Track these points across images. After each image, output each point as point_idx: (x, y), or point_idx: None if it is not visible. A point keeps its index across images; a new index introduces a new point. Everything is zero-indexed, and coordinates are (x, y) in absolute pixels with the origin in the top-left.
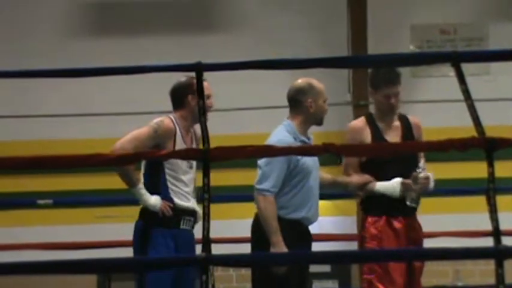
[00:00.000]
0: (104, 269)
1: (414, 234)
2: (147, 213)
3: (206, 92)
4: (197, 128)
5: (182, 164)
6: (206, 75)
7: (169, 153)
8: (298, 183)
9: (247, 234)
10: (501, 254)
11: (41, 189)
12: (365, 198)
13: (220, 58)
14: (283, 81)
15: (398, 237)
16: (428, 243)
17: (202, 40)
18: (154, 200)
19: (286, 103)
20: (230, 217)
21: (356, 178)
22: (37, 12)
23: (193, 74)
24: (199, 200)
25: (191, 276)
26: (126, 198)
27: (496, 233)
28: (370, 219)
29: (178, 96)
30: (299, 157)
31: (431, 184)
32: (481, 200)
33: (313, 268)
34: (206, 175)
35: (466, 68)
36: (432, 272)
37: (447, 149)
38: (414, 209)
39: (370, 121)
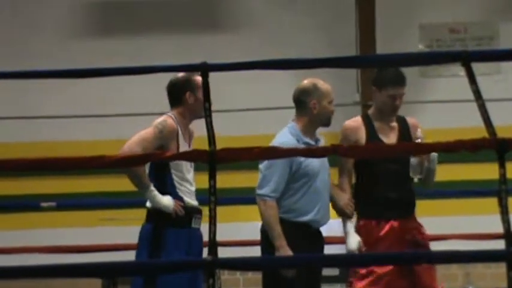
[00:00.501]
0: (107, 272)
1: (411, 236)
2: (157, 215)
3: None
4: (191, 126)
5: (186, 162)
6: (211, 75)
7: (176, 154)
8: (303, 186)
9: (254, 237)
10: None
11: (44, 192)
12: (357, 201)
13: (224, 58)
14: (289, 82)
15: (389, 241)
16: (438, 246)
17: (207, 40)
18: (167, 201)
19: (292, 104)
20: (236, 220)
21: (344, 200)
22: (39, 12)
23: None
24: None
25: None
26: (132, 200)
27: (508, 235)
28: (361, 222)
29: (176, 93)
30: (302, 159)
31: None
32: (492, 201)
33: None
34: (212, 177)
35: (477, 67)
36: (442, 275)
37: (457, 150)
38: (411, 210)
39: (366, 121)
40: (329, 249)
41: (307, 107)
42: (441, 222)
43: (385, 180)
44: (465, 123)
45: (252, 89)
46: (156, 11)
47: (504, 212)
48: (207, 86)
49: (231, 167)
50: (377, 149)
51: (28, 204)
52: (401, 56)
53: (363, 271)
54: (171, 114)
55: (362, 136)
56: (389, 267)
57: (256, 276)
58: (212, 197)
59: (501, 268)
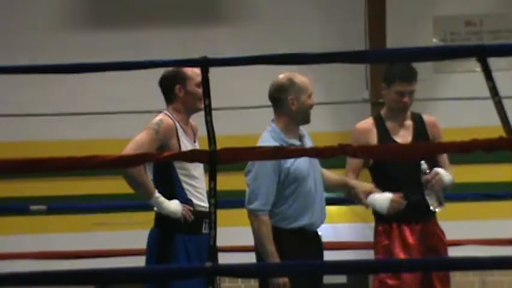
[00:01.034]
0: (101, 280)
1: (432, 241)
2: (165, 220)
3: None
4: (192, 120)
5: None
6: (212, 70)
7: (173, 154)
8: (294, 192)
9: None
10: None
11: (33, 194)
12: None
13: (227, 52)
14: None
15: (410, 247)
16: (452, 252)
17: (209, 33)
18: (174, 206)
19: None
20: (238, 224)
21: (362, 185)
22: (29, 4)
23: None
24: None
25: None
26: (128, 203)
27: None
28: (380, 227)
29: (167, 88)
30: (289, 164)
31: (446, 178)
32: (510, 205)
33: (328, 279)
34: (213, 178)
35: (493, 62)
36: (457, 283)
37: (472, 151)
38: (432, 214)
39: (378, 122)
40: (336, 256)
41: (285, 104)
42: (456, 226)
43: (404, 182)
44: (481, 121)
45: (255, 85)
46: (153, 2)
47: None
48: (207, 81)
49: (233, 168)
50: (387, 150)
51: (16, 207)
52: (414, 51)
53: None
54: (167, 111)
55: (373, 138)
56: (404, 278)
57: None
58: (212, 200)
59: None
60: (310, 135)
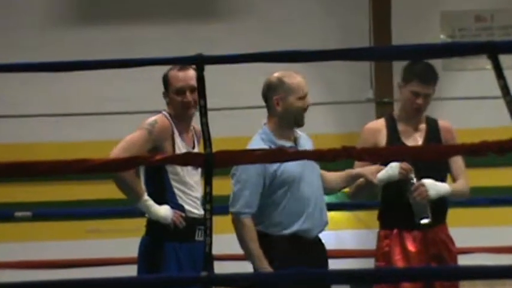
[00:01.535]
0: None
1: (436, 249)
2: (155, 226)
3: (181, 83)
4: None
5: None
6: (208, 69)
7: (167, 157)
8: (284, 196)
9: None
10: None
11: (18, 200)
12: (380, 210)
13: (224, 50)
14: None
15: (411, 254)
16: (461, 260)
17: (205, 29)
18: (164, 211)
19: None
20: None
21: (369, 168)
22: (20, 1)
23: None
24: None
25: None
26: (121, 209)
27: None
28: (382, 233)
29: (164, 90)
30: (275, 167)
31: (433, 191)
32: None
33: None
34: (208, 183)
35: (505, 59)
36: None
37: (482, 153)
38: (439, 220)
39: (390, 123)
40: (339, 264)
41: (271, 104)
42: (464, 233)
43: (409, 186)
44: (491, 122)
45: (253, 84)
46: None
47: None
48: (202, 80)
49: (229, 172)
50: (394, 152)
51: (0, 214)
52: (420, 48)
53: None
54: (165, 112)
55: (382, 139)
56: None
57: None
58: (208, 205)
59: None
60: (311, 137)
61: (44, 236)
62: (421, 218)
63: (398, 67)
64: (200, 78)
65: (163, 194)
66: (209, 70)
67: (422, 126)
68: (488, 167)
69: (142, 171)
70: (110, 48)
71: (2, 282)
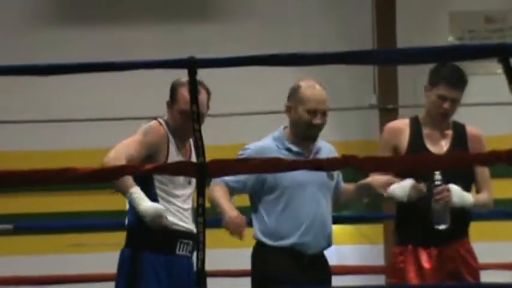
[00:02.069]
0: None
1: (453, 266)
2: (135, 237)
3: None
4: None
5: (179, 177)
6: (202, 73)
7: (157, 166)
8: (277, 201)
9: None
10: None
11: None
12: (395, 225)
13: (219, 52)
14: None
15: (426, 272)
16: (484, 277)
17: (198, 31)
18: (146, 206)
19: None
20: (230, 245)
21: (379, 178)
22: None
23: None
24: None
25: None
26: (105, 222)
27: None
28: (396, 249)
29: (169, 101)
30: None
31: (458, 199)
32: None
33: None
34: (201, 194)
35: None
36: None
37: (492, 163)
38: (459, 235)
39: (414, 124)
40: (340, 281)
41: (286, 110)
42: (481, 249)
43: (432, 186)
44: (503, 129)
45: (250, 89)
46: None
47: None
48: (194, 85)
49: None
50: (399, 162)
51: None
52: (427, 51)
53: None
54: (161, 119)
55: (403, 141)
56: None
57: None
58: (200, 218)
59: None
60: None
61: (24, 250)
62: (439, 224)
63: (403, 71)
64: (192, 83)
65: None
66: (202, 74)
67: (449, 132)
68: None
69: None
70: (94, 51)
71: None
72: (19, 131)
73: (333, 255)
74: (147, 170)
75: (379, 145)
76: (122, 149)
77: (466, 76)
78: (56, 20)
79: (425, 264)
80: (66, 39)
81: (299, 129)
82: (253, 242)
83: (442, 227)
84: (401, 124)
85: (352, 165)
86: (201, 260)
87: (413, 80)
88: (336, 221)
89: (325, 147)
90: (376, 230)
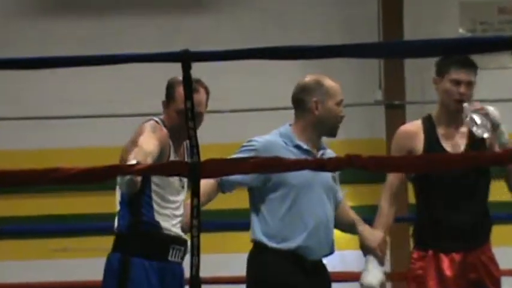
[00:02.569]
0: None
1: (475, 274)
2: (125, 241)
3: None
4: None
5: (174, 181)
6: (197, 66)
7: (149, 166)
8: (282, 202)
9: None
10: None
11: None
12: (414, 228)
13: (215, 45)
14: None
15: (447, 280)
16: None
17: (193, 22)
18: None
19: None
20: (225, 250)
21: (374, 236)
22: None
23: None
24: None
25: None
26: (92, 225)
27: None
28: (415, 254)
29: (165, 100)
30: None
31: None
32: None
33: None
34: (196, 195)
35: None
36: None
37: (508, 163)
38: (481, 240)
39: (427, 125)
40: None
41: (307, 107)
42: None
43: (447, 200)
44: None
45: (248, 84)
46: None
47: None
48: (189, 79)
49: None
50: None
51: None
52: (436, 43)
53: None
54: (157, 118)
55: (419, 144)
56: None
57: None
58: (195, 221)
59: None
60: None
61: (6, 255)
62: (482, 132)
63: (410, 65)
64: (186, 77)
65: (139, 206)
66: (197, 68)
67: (464, 129)
68: None
69: None
70: (81, 44)
71: None
72: (9, 129)
73: (337, 261)
74: (138, 170)
75: (384, 144)
76: (147, 145)
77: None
78: (42, 10)
79: (447, 271)
80: (51, 31)
81: (328, 125)
82: (249, 248)
83: (485, 135)
84: (415, 127)
85: (356, 166)
86: (196, 266)
87: (421, 75)
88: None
89: (328, 151)
90: None
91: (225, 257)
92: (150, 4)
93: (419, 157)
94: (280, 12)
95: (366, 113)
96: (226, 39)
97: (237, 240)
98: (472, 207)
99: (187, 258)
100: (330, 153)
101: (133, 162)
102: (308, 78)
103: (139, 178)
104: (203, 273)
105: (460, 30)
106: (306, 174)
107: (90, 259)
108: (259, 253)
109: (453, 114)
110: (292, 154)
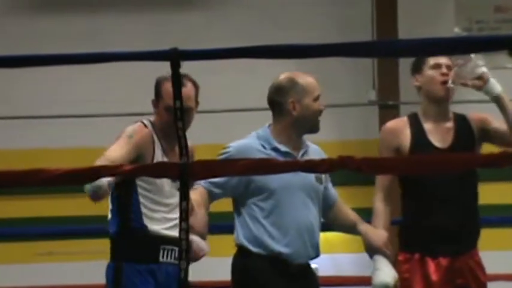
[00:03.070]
0: None
1: (462, 280)
2: (116, 247)
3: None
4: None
5: (165, 184)
6: (186, 65)
7: (137, 167)
8: (263, 206)
9: None
10: None
11: None
12: (400, 229)
13: (205, 43)
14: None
15: (433, 285)
16: None
17: (183, 19)
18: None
19: None
20: (216, 254)
21: (377, 235)
22: None
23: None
24: None
25: None
26: (78, 228)
27: None
28: (401, 256)
29: (154, 99)
30: None
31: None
32: None
33: None
34: (185, 197)
35: None
36: None
37: (502, 166)
38: (469, 244)
39: (413, 121)
40: None
41: (284, 108)
42: (487, 258)
43: (434, 202)
44: None
45: (240, 84)
46: None
47: None
48: (178, 78)
49: None
50: (400, 163)
51: None
52: (431, 42)
53: None
54: (146, 121)
55: (405, 140)
56: None
57: None
58: (184, 224)
59: None
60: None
61: None
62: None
63: (404, 65)
64: (175, 76)
65: (127, 211)
66: (186, 67)
67: (451, 124)
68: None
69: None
70: (70, 42)
71: None
72: None
73: (329, 265)
74: (125, 171)
75: (378, 145)
76: (113, 153)
77: None
78: (30, 8)
79: (433, 276)
80: (39, 29)
81: (308, 123)
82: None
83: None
84: (400, 123)
85: (349, 167)
86: (184, 270)
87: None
88: (331, 228)
89: (312, 148)
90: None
91: (215, 261)
92: (140, 2)
93: (414, 158)
94: (270, 10)
95: (360, 114)
96: (216, 38)
97: (227, 243)
98: (459, 210)
99: None
100: (313, 150)
101: None
102: (282, 78)
103: (109, 186)
104: (194, 276)
105: (456, 29)
106: (284, 177)
107: (76, 263)
108: (242, 258)
109: (439, 107)
110: (269, 157)
